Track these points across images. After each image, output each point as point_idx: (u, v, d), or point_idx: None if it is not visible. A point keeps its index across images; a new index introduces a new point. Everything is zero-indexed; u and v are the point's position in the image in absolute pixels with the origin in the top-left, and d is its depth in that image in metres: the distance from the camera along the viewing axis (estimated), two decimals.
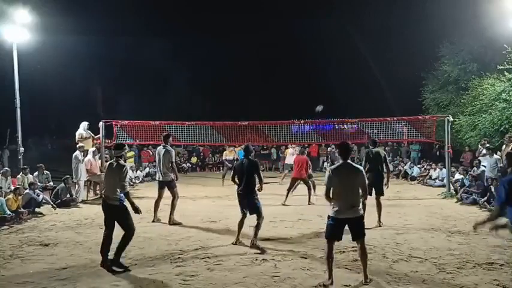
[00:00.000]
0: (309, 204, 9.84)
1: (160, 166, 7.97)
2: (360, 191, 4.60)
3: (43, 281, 4.78)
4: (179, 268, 5.20)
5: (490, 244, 6.18)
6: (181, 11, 27.80)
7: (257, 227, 6.11)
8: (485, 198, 9.35)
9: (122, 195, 5.22)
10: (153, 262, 5.46)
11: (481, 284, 4.61)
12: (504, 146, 10.42)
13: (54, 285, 4.69)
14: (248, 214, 6.26)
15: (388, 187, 7.87)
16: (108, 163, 5.69)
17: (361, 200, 4.66)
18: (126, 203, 5.31)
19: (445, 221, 7.85)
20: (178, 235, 6.94)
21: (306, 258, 5.52)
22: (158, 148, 8.21)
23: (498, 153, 10.63)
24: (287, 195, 9.92)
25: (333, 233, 4.59)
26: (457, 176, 11.87)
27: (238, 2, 28.78)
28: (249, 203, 6.19)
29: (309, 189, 10.02)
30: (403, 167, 16.26)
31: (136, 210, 5.37)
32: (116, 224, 5.27)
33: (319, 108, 15.18)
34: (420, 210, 9.18)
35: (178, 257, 5.64)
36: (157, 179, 8.30)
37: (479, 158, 11.26)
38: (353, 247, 5.98)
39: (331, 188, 4.58)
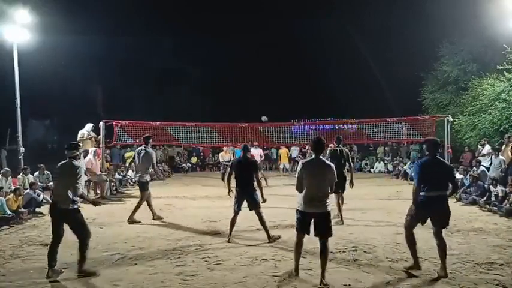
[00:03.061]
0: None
1: (137, 167, 8.12)
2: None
3: (43, 281, 4.78)
4: (179, 268, 5.20)
5: (490, 244, 6.19)
6: (181, 11, 27.82)
7: (263, 221, 6.33)
8: (485, 198, 9.36)
9: (75, 198, 4.98)
10: (153, 262, 5.46)
11: (481, 284, 4.61)
12: (504, 146, 10.44)
13: (54, 284, 4.69)
14: (248, 210, 6.40)
15: (352, 185, 7.94)
16: (60, 164, 5.19)
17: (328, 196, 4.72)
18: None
19: None
20: (178, 235, 6.95)
21: (305, 258, 5.51)
22: (138, 149, 8.35)
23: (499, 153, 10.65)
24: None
25: (301, 226, 4.74)
26: (457, 176, 11.87)
27: (238, 2, 28.80)
28: (249, 199, 6.34)
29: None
30: (402, 167, 16.26)
31: (94, 203, 5.50)
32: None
33: (264, 118, 14.74)
34: None
35: (178, 257, 5.65)
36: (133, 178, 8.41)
37: (479, 158, 11.27)
38: (353, 247, 6.01)
39: (302, 182, 4.69)
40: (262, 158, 14.71)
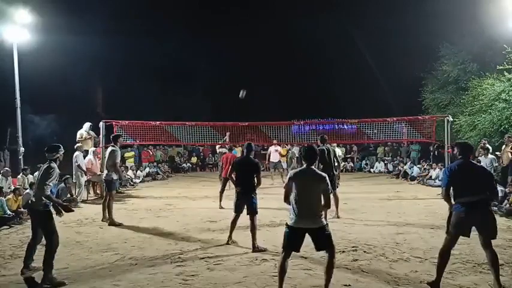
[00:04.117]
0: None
1: (106, 165, 8.23)
2: (322, 200, 4.24)
3: None
4: (179, 268, 5.20)
5: None
6: (182, 11, 27.81)
7: (253, 227, 5.96)
8: None
9: (47, 200, 4.86)
10: (153, 262, 5.47)
11: (481, 284, 4.61)
12: (504, 146, 10.45)
13: None
14: (245, 213, 6.16)
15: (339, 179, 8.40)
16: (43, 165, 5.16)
17: (322, 209, 4.29)
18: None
19: (444, 221, 7.81)
20: (178, 235, 6.95)
21: (305, 258, 5.52)
22: (108, 148, 8.41)
23: (498, 153, 10.66)
24: (221, 198, 9.62)
25: (289, 242, 4.22)
26: None
27: (239, 2, 28.82)
28: (247, 201, 6.11)
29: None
30: (402, 167, 16.28)
31: (63, 209, 5.01)
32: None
33: (242, 93, 13.65)
34: (420, 210, 9.19)
35: (178, 257, 5.65)
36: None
37: (479, 157, 11.28)
38: (353, 247, 6.01)
39: (290, 194, 4.28)
40: (281, 156, 14.76)
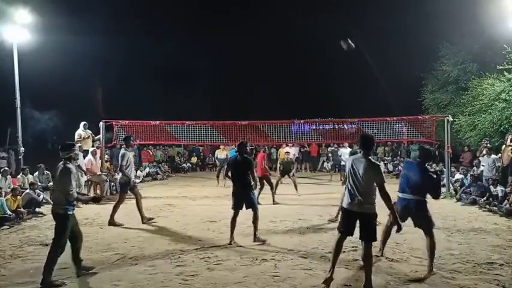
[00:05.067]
0: (273, 204, 9.76)
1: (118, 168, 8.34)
2: (377, 189, 4.31)
3: None
4: (179, 268, 5.20)
5: (489, 244, 6.20)
6: (182, 11, 27.83)
7: (256, 219, 6.27)
8: (485, 198, 9.37)
9: (70, 202, 4.74)
10: (153, 262, 5.47)
11: (481, 284, 4.62)
12: (504, 146, 10.45)
13: None
14: (244, 209, 6.34)
15: None
16: (57, 166, 4.97)
17: (374, 198, 4.34)
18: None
19: (444, 221, 7.86)
20: (178, 235, 6.95)
21: (306, 258, 5.52)
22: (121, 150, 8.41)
23: (499, 154, 10.66)
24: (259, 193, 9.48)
25: (344, 225, 4.45)
26: (457, 176, 11.89)
27: (239, 2, 28.82)
28: (245, 198, 6.29)
29: (271, 188, 9.98)
30: (402, 167, 16.27)
31: (94, 202, 5.36)
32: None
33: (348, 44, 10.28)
34: None
35: (178, 257, 5.65)
36: None
37: (479, 158, 11.28)
38: (353, 247, 6.00)
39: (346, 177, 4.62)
40: (296, 156, 14.73)
